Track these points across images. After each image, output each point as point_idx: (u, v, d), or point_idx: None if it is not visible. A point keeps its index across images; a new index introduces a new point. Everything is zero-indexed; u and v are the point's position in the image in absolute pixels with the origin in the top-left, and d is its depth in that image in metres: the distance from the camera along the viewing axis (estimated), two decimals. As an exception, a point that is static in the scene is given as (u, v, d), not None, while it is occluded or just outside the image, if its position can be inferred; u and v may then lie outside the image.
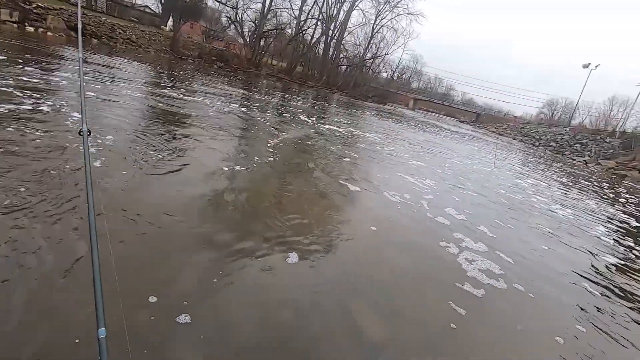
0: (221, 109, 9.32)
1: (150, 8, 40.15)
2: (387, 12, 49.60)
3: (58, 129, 4.38)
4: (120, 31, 24.98)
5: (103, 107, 6.13)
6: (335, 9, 46.57)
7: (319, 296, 2.44)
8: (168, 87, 10.97)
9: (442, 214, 4.85)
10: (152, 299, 1.98)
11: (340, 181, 5.29)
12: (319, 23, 45.33)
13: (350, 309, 2.38)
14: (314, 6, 43.27)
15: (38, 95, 5.66)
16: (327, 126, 11.75)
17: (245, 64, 35.06)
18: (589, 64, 44.57)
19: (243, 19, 38.75)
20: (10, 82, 6.13)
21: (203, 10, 37.75)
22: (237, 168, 4.71)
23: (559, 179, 13.14)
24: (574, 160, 26.48)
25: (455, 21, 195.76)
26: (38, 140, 3.85)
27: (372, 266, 3.09)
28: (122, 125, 5.30)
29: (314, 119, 12.67)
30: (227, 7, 36.44)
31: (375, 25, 50.06)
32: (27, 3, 19.25)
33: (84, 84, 2.08)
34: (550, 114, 76.49)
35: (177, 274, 2.29)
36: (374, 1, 48.95)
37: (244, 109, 10.41)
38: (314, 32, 45.72)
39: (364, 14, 49.98)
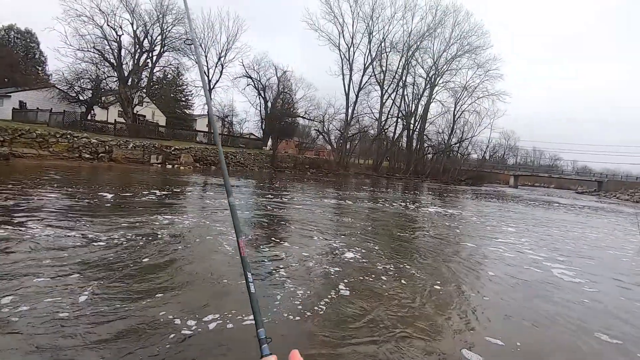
0: (314, 205, 9.80)
1: (254, 134, 48.33)
2: (466, 98, 50.46)
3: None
4: (232, 156, 30.12)
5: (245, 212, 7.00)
6: (413, 105, 49.33)
7: None
8: (268, 194, 12.23)
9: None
10: None
11: (449, 239, 4.72)
12: (399, 120, 48.04)
13: None
14: (392, 106, 46.66)
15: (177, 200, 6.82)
16: (424, 209, 11.27)
17: (334, 166, 37.93)
18: None
19: (329, 129, 43.44)
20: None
21: (295, 129, 43.77)
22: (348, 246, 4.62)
23: None
24: None
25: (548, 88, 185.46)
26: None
27: None
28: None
29: (409, 205, 12.38)
30: (315, 122, 41.67)
31: (456, 112, 50.76)
32: (167, 148, 25.00)
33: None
34: None
35: None
36: (450, 91, 50.65)
37: (338, 202, 10.79)
38: (395, 128, 48.31)
39: (442, 104, 51.48)
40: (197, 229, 6.37)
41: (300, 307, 3.44)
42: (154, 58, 31.76)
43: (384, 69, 45.29)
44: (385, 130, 46.82)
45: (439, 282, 4.49)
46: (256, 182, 19.14)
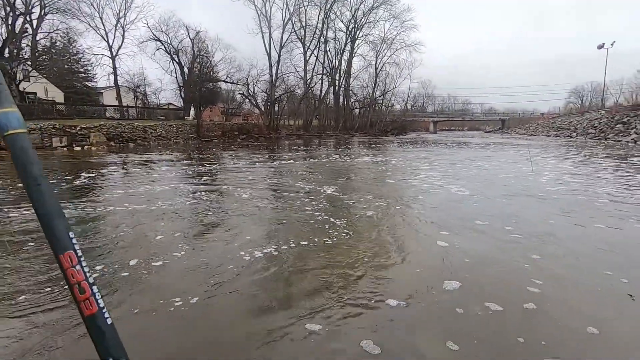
0: (262, 167, 9.91)
1: (173, 104, 44.74)
2: (385, 51, 52.06)
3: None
4: (152, 130, 27.82)
5: (159, 193, 6.76)
6: (337, 60, 49.56)
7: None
8: (198, 164, 11.91)
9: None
10: None
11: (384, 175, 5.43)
12: (324, 77, 48.13)
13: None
14: (316, 63, 46.36)
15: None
16: (359, 159, 12.12)
17: (264, 130, 37.32)
18: (603, 44, 43.29)
19: (255, 92, 41.98)
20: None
21: (218, 94, 41.48)
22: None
23: (609, 163, 12.27)
24: (619, 141, 24.71)
25: (453, 36, 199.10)
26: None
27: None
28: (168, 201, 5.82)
29: (345, 157, 13.14)
30: (239, 86, 39.85)
31: (377, 65, 52.37)
32: (72, 128, 22.22)
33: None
34: (580, 102, 73.25)
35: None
36: (371, 44, 51.66)
37: (281, 162, 11.00)
38: (321, 86, 48.43)
39: (364, 58, 52.50)
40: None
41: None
42: (34, 22, 26.94)
43: (303, 24, 44.24)
44: (312, 89, 46.78)
45: (398, 205, 6.03)
46: (187, 154, 18.22)
